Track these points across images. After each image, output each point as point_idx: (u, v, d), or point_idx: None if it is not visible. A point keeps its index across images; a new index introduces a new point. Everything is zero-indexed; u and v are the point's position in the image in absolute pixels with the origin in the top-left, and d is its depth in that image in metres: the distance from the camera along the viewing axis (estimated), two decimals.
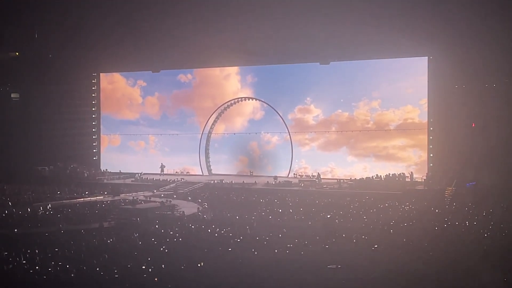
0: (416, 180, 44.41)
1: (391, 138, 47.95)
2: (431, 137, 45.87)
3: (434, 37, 43.04)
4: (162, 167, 54.36)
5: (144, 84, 58.52)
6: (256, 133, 53.11)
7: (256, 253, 22.33)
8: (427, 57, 45.75)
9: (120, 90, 59.56)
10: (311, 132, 50.83)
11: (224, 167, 53.82)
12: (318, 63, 49.85)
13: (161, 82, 57.88)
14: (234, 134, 54.02)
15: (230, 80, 54.87)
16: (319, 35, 46.59)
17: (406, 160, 47.35)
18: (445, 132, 44.63)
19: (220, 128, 55.09)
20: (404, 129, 47.21)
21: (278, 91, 52.48)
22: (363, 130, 48.72)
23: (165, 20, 50.08)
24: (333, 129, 50.18)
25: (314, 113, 50.99)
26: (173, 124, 56.64)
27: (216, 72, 55.43)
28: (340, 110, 50.02)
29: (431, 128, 45.82)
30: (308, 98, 51.07)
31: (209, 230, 27.63)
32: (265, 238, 25.25)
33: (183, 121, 56.73)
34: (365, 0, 44.34)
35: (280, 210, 35.09)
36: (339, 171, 49.54)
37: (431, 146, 45.84)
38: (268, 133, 52.72)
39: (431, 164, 45.54)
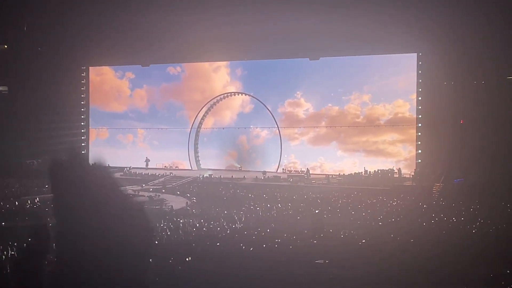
0: (404, 176, 44.64)
1: (381, 133, 48.09)
2: (419, 133, 46.09)
3: (424, 34, 43.19)
4: (147, 160, 54.32)
5: (133, 76, 58.40)
6: (245, 128, 53.13)
7: (244, 247, 22.36)
8: (416, 53, 45.95)
9: (108, 82, 59.45)
10: (300, 127, 50.91)
11: (213, 161, 53.71)
12: (308, 59, 49.90)
13: (150, 75, 57.76)
14: (223, 129, 54.01)
15: (220, 73, 54.82)
16: (308, 31, 46.59)
17: (396, 155, 47.53)
18: (433, 129, 44.83)
19: (209, 122, 55.05)
20: (394, 124, 47.38)
21: (268, 85, 52.44)
22: (352, 126, 48.85)
23: (155, 14, 49.89)
24: (323, 123, 50.28)
25: (304, 107, 51.06)
26: (162, 118, 56.58)
27: (205, 65, 55.29)
28: (330, 104, 50.14)
29: (420, 124, 46.02)
30: (298, 92, 51.12)
31: (197, 224, 27.68)
32: (254, 233, 25.31)
33: (172, 114, 56.67)
34: None
35: (268, 205, 35.19)
36: (328, 165, 49.60)
37: (419, 142, 46.08)
38: (257, 127, 52.76)
39: (419, 160, 45.76)
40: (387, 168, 45.12)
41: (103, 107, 59.10)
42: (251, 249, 21.62)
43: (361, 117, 48.90)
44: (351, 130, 49.05)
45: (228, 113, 54.40)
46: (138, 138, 57.23)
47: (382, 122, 48.09)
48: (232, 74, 54.16)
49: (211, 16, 48.24)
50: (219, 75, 54.73)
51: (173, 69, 56.64)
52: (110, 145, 57.71)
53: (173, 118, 56.42)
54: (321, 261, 19.62)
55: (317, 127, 50.27)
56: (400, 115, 47.31)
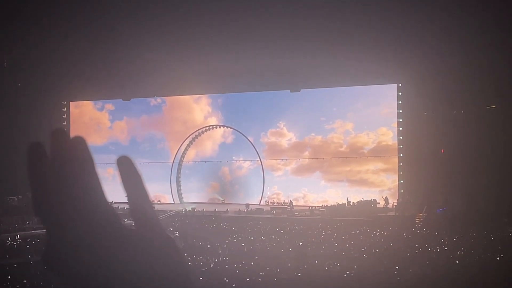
0: (387, 206, 44.63)
1: (365, 162, 48.13)
2: (401, 164, 46.25)
3: (403, 65, 43.67)
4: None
5: (113, 108, 58.26)
6: (227, 161, 53.03)
7: (227, 281, 22.19)
8: (396, 84, 46.32)
9: (87, 114, 59.14)
10: (282, 159, 50.90)
11: (195, 194, 53.33)
12: (289, 91, 50.13)
13: (130, 107, 57.60)
14: (206, 162, 53.84)
15: (201, 103, 54.83)
16: (289, 64, 47.00)
17: (380, 184, 47.56)
18: (415, 159, 45.01)
19: (191, 154, 54.86)
20: (377, 154, 47.45)
21: (250, 115, 52.48)
22: (334, 157, 48.88)
23: (136, 49, 50.10)
24: (307, 152, 50.29)
25: (287, 136, 51.10)
26: (144, 152, 56.24)
27: (186, 96, 55.41)
28: (313, 134, 50.23)
29: (401, 155, 46.21)
30: (280, 122, 51.21)
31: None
32: (237, 266, 25.14)
33: (153, 146, 56.47)
34: (333, 30, 44.81)
35: (252, 238, 35.03)
36: (312, 196, 49.52)
37: (401, 173, 46.21)
38: (240, 159, 52.64)
39: (402, 190, 45.85)
40: (370, 199, 45.08)
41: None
42: (234, 285, 21.47)
43: (344, 145, 49.00)
44: (334, 159, 49.07)
45: (210, 144, 54.27)
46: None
47: (365, 151, 48.19)
48: (213, 104, 54.23)
49: (192, 52, 48.52)
50: (200, 106, 54.77)
51: (153, 101, 56.65)
52: None
53: (155, 150, 56.16)
54: None
55: (299, 158, 50.30)
56: (383, 143, 47.46)
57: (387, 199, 45.02)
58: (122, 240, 1.35)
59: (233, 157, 53.03)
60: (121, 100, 56.71)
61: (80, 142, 1.42)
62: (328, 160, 49.29)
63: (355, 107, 48.95)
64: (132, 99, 56.40)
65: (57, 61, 52.48)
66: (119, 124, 57.82)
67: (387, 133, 47.31)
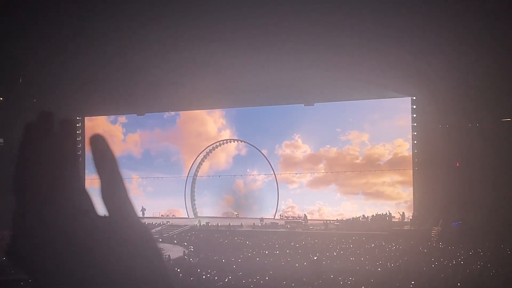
0: (404, 221, 44.28)
1: (381, 174, 47.84)
2: (416, 177, 46.01)
3: (417, 78, 43.57)
4: (143, 210, 53.89)
5: (125, 121, 58.49)
6: (241, 175, 52.95)
7: None
8: (410, 97, 46.19)
9: (100, 127, 59.24)
10: (296, 173, 50.74)
11: (210, 209, 53.22)
12: (303, 105, 50.10)
13: (143, 119, 57.73)
14: (219, 176, 53.76)
15: (214, 116, 54.93)
16: (303, 78, 47.03)
17: (396, 197, 47.18)
18: (430, 172, 44.77)
19: (206, 167, 54.82)
20: (393, 167, 47.11)
21: (264, 129, 52.41)
22: (348, 171, 48.63)
23: (150, 65, 50.38)
24: (321, 164, 50.10)
25: (301, 148, 50.93)
26: (158, 166, 56.32)
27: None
28: (328, 146, 49.99)
29: (416, 168, 46.00)
30: (295, 135, 51.12)
31: (191, 278, 27.33)
32: (252, 281, 25.04)
33: (167, 159, 56.55)
34: (348, 44, 44.84)
35: (266, 252, 34.92)
36: (327, 210, 49.30)
37: (416, 186, 45.96)
38: (253, 173, 52.48)
39: (417, 204, 45.59)
40: (386, 212, 44.76)
41: None
42: None
43: (360, 157, 48.73)
44: (350, 172, 48.82)
45: (224, 156, 54.19)
46: (133, 185, 56.84)
47: (381, 163, 47.92)
48: (227, 117, 54.32)
49: (206, 66, 48.67)
50: (214, 118, 54.83)
51: (167, 113, 56.73)
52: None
53: (168, 162, 56.24)
54: None
55: (313, 172, 50.11)
56: (400, 155, 47.11)
57: (404, 214, 44.60)
58: (92, 232, 1.29)
59: (248, 170, 52.91)
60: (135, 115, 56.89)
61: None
62: (344, 172, 49.05)
63: (371, 118, 48.57)
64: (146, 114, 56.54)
65: (72, 77, 52.89)
66: (133, 137, 57.97)
67: (404, 144, 46.94)
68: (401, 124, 47.14)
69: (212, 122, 54.71)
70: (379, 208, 45.80)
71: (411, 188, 46.65)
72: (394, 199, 47.19)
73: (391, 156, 47.55)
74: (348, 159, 49.09)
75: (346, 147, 49.28)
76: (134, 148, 57.90)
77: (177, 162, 56.16)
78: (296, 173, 50.76)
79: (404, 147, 47.00)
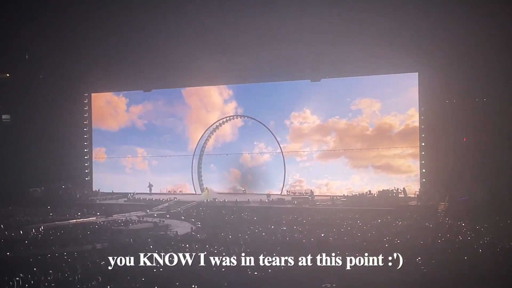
0: (409, 195, 44.23)
1: (391, 146, 47.55)
2: (423, 152, 45.90)
3: (424, 53, 43.35)
4: (150, 186, 54.02)
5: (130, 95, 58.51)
6: (249, 153, 52.85)
7: (249, 272, 22.17)
8: (417, 73, 45.87)
9: (104, 97, 59.44)
10: (304, 151, 50.53)
11: (216, 185, 53.35)
12: (309, 80, 49.85)
13: (149, 94, 57.52)
14: (227, 155, 53.58)
15: (221, 89, 54.79)
16: (310, 54, 46.87)
17: (406, 170, 46.83)
18: (436, 147, 44.70)
19: (212, 142, 54.82)
20: (405, 138, 46.81)
21: (270, 103, 52.21)
22: (358, 143, 48.43)
23: (156, 41, 50.33)
24: (330, 137, 50.05)
25: (310, 119, 50.67)
26: (165, 143, 56.40)
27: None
28: (338, 117, 49.61)
29: (423, 144, 45.86)
30: (303, 107, 50.91)
31: (203, 252, 27.37)
32: (259, 257, 25.05)
33: (172, 132, 56.58)
34: (354, 20, 44.64)
35: (273, 227, 34.96)
36: (335, 184, 49.29)
37: (423, 162, 45.88)
38: (260, 147, 52.39)
39: (424, 180, 45.56)
40: (392, 187, 44.63)
41: (101, 124, 58.98)
42: (255, 274, 21.51)
43: (371, 128, 48.45)
44: (360, 144, 48.62)
45: (231, 129, 54.18)
46: (138, 161, 56.82)
47: (393, 134, 47.53)
48: (233, 91, 54.12)
49: (212, 42, 48.57)
50: (220, 91, 54.72)
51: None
52: (113, 171, 57.24)
53: (173, 134, 56.41)
54: (328, 285, 19.47)
55: (323, 141, 49.78)
56: (411, 125, 46.59)
57: (405, 190, 44.43)
58: None
59: (255, 143, 52.83)
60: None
61: None
62: (353, 145, 48.77)
63: (381, 91, 48.03)
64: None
65: (79, 53, 52.86)
66: (136, 110, 58.05)
67: (416, 114, 46.45)
68: (413, 96, 46.43)
69: (218, 96, 54.38)
70: (389, 182, 45.67)
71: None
72: (404, 173, 46.79)
73: (402, 127, 46.98)
74: (357, 130, 48.65)
75: (356, 119, 48.76)
76: (139, 120, 57.88)
77: (181, 134, 56.20)
78: (304, 146, 50.43)
79: (417, 117, 46.19)
